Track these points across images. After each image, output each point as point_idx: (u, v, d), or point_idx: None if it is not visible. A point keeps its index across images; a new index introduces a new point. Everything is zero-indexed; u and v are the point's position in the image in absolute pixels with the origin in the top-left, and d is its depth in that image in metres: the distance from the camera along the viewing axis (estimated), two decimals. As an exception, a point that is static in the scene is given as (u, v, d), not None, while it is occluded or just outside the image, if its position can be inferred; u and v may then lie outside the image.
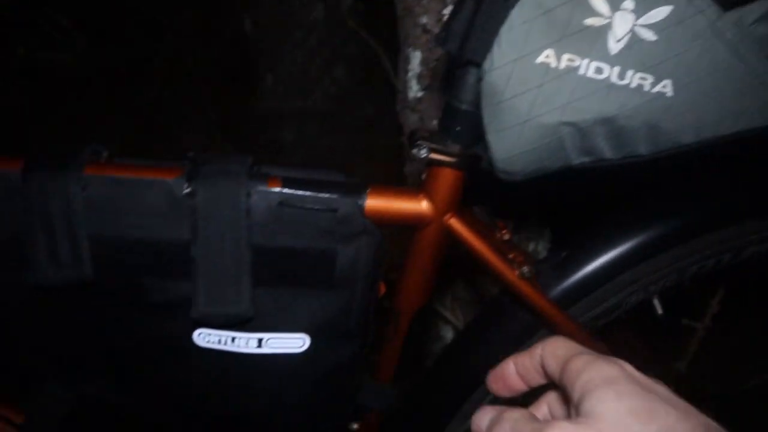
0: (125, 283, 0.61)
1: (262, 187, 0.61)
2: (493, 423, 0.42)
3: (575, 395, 0.39)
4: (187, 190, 0.59)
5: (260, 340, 0.65)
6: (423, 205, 0.65)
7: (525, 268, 0.67)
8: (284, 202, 0.61)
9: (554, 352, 0.43)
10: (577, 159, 0.60)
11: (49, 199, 0.57)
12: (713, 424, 0.36)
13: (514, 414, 0.41)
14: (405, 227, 0.67)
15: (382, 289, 0.69)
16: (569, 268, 0.71)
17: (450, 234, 0.66)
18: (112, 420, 0.75)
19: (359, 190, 0.63)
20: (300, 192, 0.61)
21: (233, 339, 0.65)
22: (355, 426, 0.81)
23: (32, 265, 0.58)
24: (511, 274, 0.67)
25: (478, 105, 0.59)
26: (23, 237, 0.58)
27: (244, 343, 0.65)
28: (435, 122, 0.89)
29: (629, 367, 0.40)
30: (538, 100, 0.55)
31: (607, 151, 0.58)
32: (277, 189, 0.61)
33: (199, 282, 0.60)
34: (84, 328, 0.65)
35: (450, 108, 0.61)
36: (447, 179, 0.64)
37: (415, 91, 0.85)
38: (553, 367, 0.43)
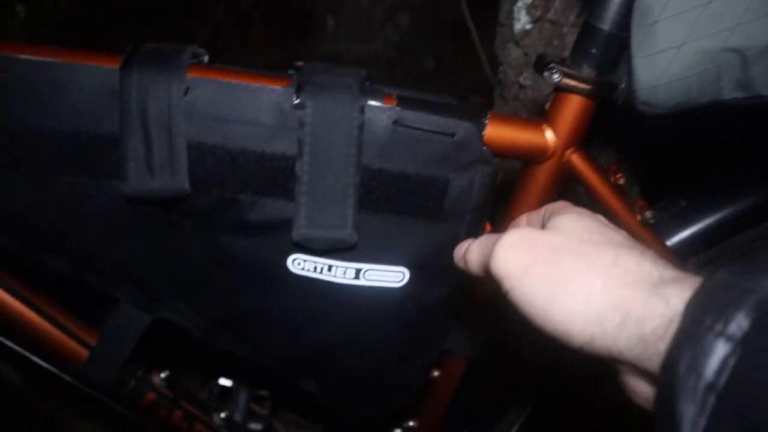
0: (221, 200, 0.57)
1: (377, 103, 0.55)
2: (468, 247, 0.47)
3: (546, 221, 0.44)
4: (296, 101, 0.54)
5: (358, 271, 0.60)
6: (547, 136, 0.59)
7: (648, 213, 0.61)
8: (399, 121, 0.56)
9: (554, 206, 0.47)
10: (730, 93, 0.53)
11: (148, 101, 0.53)
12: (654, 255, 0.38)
13: (483, 236, 0.46)
14: (522, 159, 0.61)
15: (487, 227, 0.64)
16: (691, 218, 0.65)
17: (569, 171, 0.61)
18: (184, 347, 0.72)
19: (479, 115, 0.58)
20: (417, 112, 0.56)
21: (330, 268, 0.60)
22: (436, 373, 0.77)
23: (124, 173, 0.54)
24: (632, 219, 0.61)
25: (624, 26, 0.53)
26: (117, 141, 0.54)
27: (342, 273, 0.60)
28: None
29: (601, 216, 0.44)
30: (702, 19, 0.49)
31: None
32: (393, 106, 0.56)
33: (301, 201, 0.56)
34: (171, 247, 0.61)
35: (589, 29, 0.55)
36: (576, 108, 0.58)
37: (522, 23, 0.79)
38: (548, 216, 0.45)
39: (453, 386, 0.76)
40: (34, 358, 0.71)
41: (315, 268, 0.60)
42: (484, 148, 0.57)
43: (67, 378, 0.73)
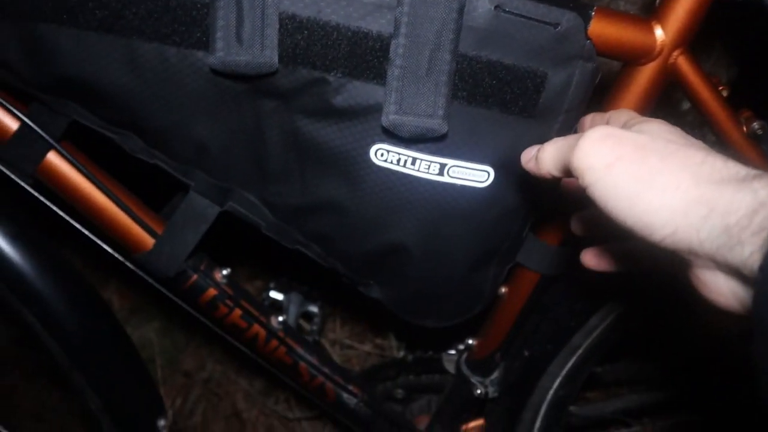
0: (308, 79, 0.54)
1: (479, -16, 0.52)
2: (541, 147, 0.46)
3: (625, 126, 0.45)
4: (395, -22, 0.51)
5: (443, 167, 0.58)
6: (656, 33, 0.55)
7: (756, 125, 0.58)
8: (502, 6, 0.52)
9: (619, 115, 0.48)
10: None
11: (241, -34, 0.50)
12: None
13: (556, 138, 0.45)
14: (625, 59, 0.58)
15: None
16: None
17: (673, 74, 0.58)
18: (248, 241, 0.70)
19: (585, 8, 0.54)
20: (521, -3, 0.53)
21: (414, 161, 0.58)
22: (504, 290, 0.75)
23: (212, 43, 0.52)
24: (738, 131, 0.58)
25: None
26: (207, 8, 0.52)
27: (426, 167, 0.58)
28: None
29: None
30: None
31: None
32: (496, -11, 0.52)
33: (392, 85, 0.53)
34: (249, 131, 0.59)
35: None
36: (692, 3, 0.54)
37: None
38: (615, 125, 0.46)
39: (519, 305, 0.73)
40: (98, 241, 0.70)
41: (398, 160, 0.58)
42: (588, 42, 0.54)
43: (130, 265, 0.72)
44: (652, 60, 0.57)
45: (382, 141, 0.57)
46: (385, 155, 0.58)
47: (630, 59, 0.57)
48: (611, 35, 0.55)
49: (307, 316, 1.01)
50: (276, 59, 0.52)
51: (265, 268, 1.28)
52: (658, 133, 0.41)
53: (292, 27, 0.52)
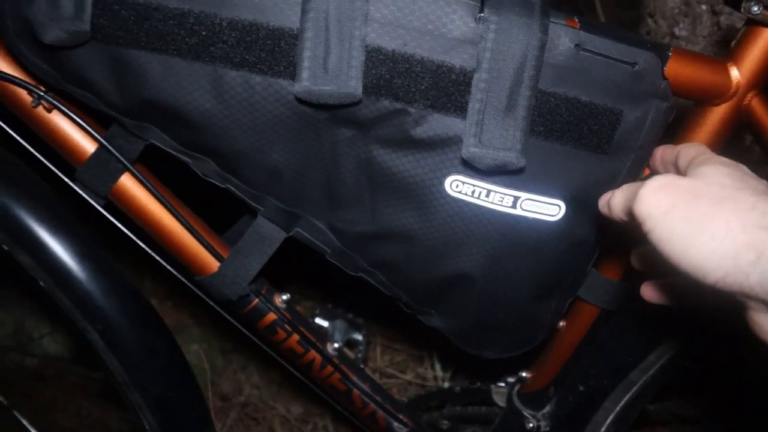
0: (390, 110, 0.56)
1: (561, 23, 0.54)
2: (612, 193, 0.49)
3: (687, 166, 0.47)
4: (480, 15, 0.53)
5: (516, 200, 0.59)
6: (732, 75, 0.56)
7: (829, 168, 0.58)
8: (581, 44, 0.54)
9: (688, 149, 0.50)
10: None
11: (329, 0, 0.52)
12: None
13: (625, 185, 0.48)
14: (699, 99, 0.59)
15: (645, 171, 0.62)
16: None
17: (746, 116, 0.58)
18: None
19: (662, 47, 0.56)
20: (600, 36, 0.54)
21: (488, 193, 0.59)
22: (562, 323, 0.75)
23: (299, 72, 0.53)
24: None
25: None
26: (295, 38, 0.53)
27: (499, 199, 0.59)
28: (704, 8, 0.79)
29: (743, 166, 0.45)
30: None
31: None
32: (576, 29, 0.54)
33: (473, 118, 0.54)
34: (324, 158, 0.60)
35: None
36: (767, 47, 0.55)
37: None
38: (683, 160, 0.50)
39: (577, 339, 0.73)
40: (163, 262, 0.71)
41: (473, 192, 0.59)
42: (664, 81, 0.55)
43: (192, 287, 0.73)
44: (726, 101, 0.57)
45: (458, 172, 0.58)
46: (459, 186, 0.59)
47: (704, 99, 0.58)
48: (687, 75, 0.56)
49: (351, 344, 1.02)
50: (360, 90, 0.54)
51: (309, 294, 1.29)
52: (715, 177, 0.43)
53: (377, 59, 0.54)
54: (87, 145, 0.65)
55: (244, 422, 1.19)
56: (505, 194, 0.59)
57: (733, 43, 0.57)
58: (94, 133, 0.64)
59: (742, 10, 0.53)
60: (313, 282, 1.25)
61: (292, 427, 1.17)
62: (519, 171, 0.56)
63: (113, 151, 0.64)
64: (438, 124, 0.56)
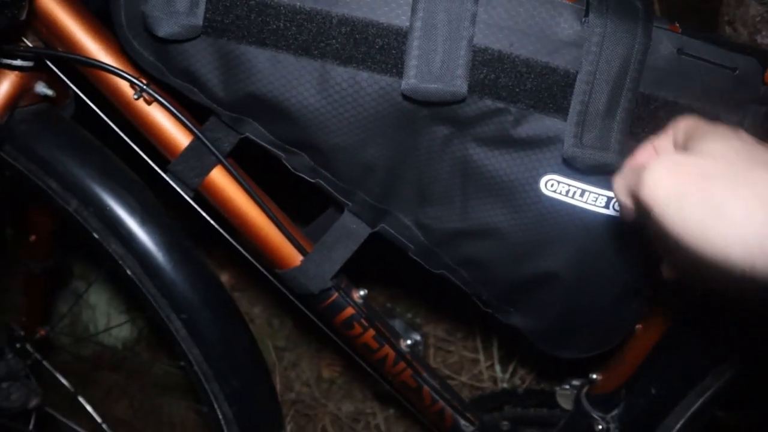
0: (491, 109, 0.57)
1: (663, 28, 0.55)
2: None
3: (688, 144, 0.42)
4: (585, 18, 0.54)
5: (609, 200, 0.60)
6: (833, 82, 0.57)
7: None
8: (683, 49, 0.55)
9: (692, 125, 0.44)
10: None
11: (437, 3, 0.53)
12: None
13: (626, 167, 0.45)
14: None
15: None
16: None
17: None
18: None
19: (762, 53, 0.56)
20: (701, 42, 0.55)
21: (582, 193, 0.60)
22: (639, 326, 0.75)
23: (407, 69, 0.54)
24: None
25: None
26: (404, 36, 0.55)
27: (593, 199, 0.60)
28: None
29: (745, 134, 0.41)
30: None
31: None
32: (679, 33, 0.55)
33: (574, 119, 0.55)
34: (419, 155, 0.62)
35: None
36: None
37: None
38: (679, 135, 0.45)
39: (653, 342, 0.74)
40: (247, 255, 0.73)
41: (568, 191, 0.60)
42: (764, 87, 0.56)
43: (273, 280, 0.74)
44: (822, 108, 0.58)
45: (554, 172, 0.59)
46: (555, 186, 0.60)
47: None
48: (786, 81, 0.57)
49: (414, 345, 1.02)
50: (465, 89, 0.55)
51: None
52: (721, 153, 0.39)
53: (483, 59, 0.55)
54: (182, 138, 0.67)
55: (295, 420, 1.20)
56: (600, 194, 0.59)
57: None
58: (190, 125, 0.66)
59: None
60: (370, 281, 1.26)
61: (343, 425, 1.18)
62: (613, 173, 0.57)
63: (208, 144, 0.66)
64: (538, 124, 0.57)
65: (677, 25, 0.56)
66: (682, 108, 0.56)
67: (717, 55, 0.55)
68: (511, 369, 1.12)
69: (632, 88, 0.55)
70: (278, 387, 1.23)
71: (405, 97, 0.56)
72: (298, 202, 0.82)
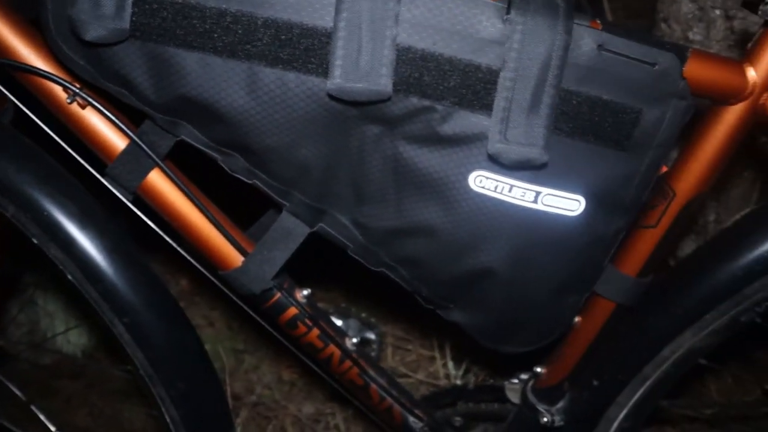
0: (418, 107, 0.58)
1: (584, 25, 0.56)
2: None
3: None
4: (507, 16, 0.55)
5: (537, 195, 0.61)
6: (748, 75, 0.59)
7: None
8: (604, 45, 0.56)
9: None
10: None
11: (360, 1, 0.54)
12: None
13: None
14: (715, 99, 0.61)
15: (663, 168, 0.64)
16: None
17: (762, 115, 0.60)
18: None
19: (682, 48, 0.58)
20: (621, 38, 0.56)
21: (510, 188, 0.60)
22: (578, 318, 0.77)
23: (331, 69, 0.55)
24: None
25: None
26: (329, 37, 0.55)
27: (521, 194, 0.61)
28: (718, 12, 0.82)
29: None
30: None
31: None
32: (599, 30, 0.56)
33: (498, 115, 0.56)
34: (351, 154, 0.62)
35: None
36: (784, 48, 0.57)
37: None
38: None
39: (593, 334, 0.75)
40: (188, 257, 0.73)
41: (496, 187, 0.61)
42: (683, 81, 0.57)
43: (216, 281, 0.74)
44: (742, 101, 0.60)
45: (481, 168, 0.60)
46: (483, 182, 0.60)
47: (721, 99, 0.61)
48: (705, 75, 0.58)
49: (365, 343, 1.03)
50: (390, 88, 0.56)
51: (322, 295, 1.31)
52: None
53: (407, 58, 0.56)
54: (118, 142, 0.67)
55: (256, 421, 1.20)
56: (527, 189, 0.60)
57: (749, 44, 0.60)
58: (126, 129, 0.66)
59: (760, 12, 0.56)
60: (327, 281, 1.27)
61: (304, 426, 1.18)
62: (542, 167, 0.58)
63: (144, 147, 0.66)
64: (464, 121, 0.58)
65: (598, 21, 0.57)
66: (605, 103, 0.58)
67: (637, 50, 0.57)
68: (465, 365, 1.13)
69: (555, 84, 0.56)
70: (239, 390, 1.23)
71: (332, 97, 0.57)
72: (245, 202, 0.82)
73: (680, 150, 0.66)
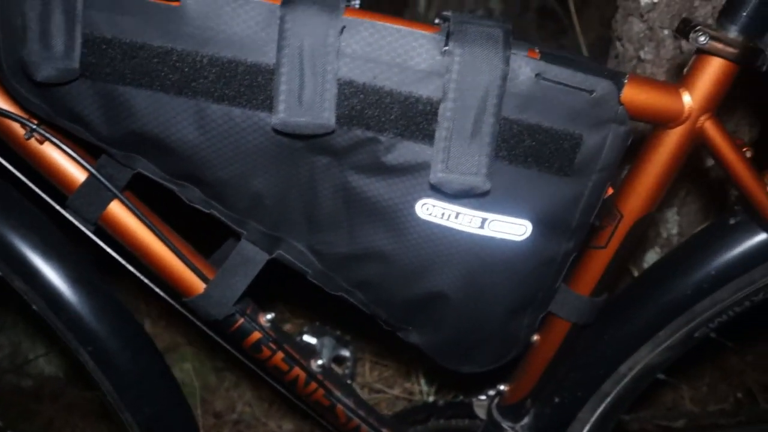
0: (361, 139, 0.59)
1: (522, 55, 0.57)
2: None
3: None
4: (445, 48, 0.56)
5: (483, 221, 0.62)
6: (684, 99, 0.60)
7: (779, 186, 0.61)
8: (542, 74, 0.57)
9: None
10: None
11: (305, 37, 0.55)
12: None
13: None
14: (654, 123, 0.62)
15: (610, 189, 0.65)
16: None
17: (700, 138, 0.62)
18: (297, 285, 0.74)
19: (619, 75, 0.59)
20: (559, 66, 0.58)
21: (457, 215, 0.62)
22: (536, 337, 0.78)
23: (276, 105, 0.57)
24: (763, 193, 0.62)
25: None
26: (271, 74, 0.57)
27: (468, 221, 0.62)
28: (666, 33, 0.83)
29: None
30: None
31: None
32: (537, 59, 0.57)
33: (440, 145, 0.58)
34: (303, 185, 0.64)
35: (741, -9, 0.56)
36: (717, 73, 0.59)
37: (650, -4, 0.80)
38: None
39: (551, 352, 0.76)
40: (152, 285, 0.74)
41: (442, 214, 0.62)
42: (621, 107, 0.59)
43: (180, 308, 0.76)
44: (680, 124, 0.61)
45: (428, 196, 0.61)
46: (430, 209, 0.62)
47: (659, 123, 0.62)
48: (642, 100, 0.60)
49: (340, 360, 1.04)
50: (333, 121, 0.57)
51: (299, 312, 1.32)
52: None
53: (349, 92, 0.57)
54: (78, 175, 0.68)
55: (237, 439, 1.21)
56: (474, 216, 0.62)
57: (685, 69, 0.61)
58: (84, 162, 0.67)
59: (690, 39, 0.57)
60: (303, 300, 1.28)
61: (284, 443, 1.19)
62: (485, 194, 0.59)
63: (102, 179, 0.67)
64: (408, 151, 0.59)
65: (537, 50, 0.59)
66: (545, 130, 0.59)
67: (574, 78, 0.58)
68: (438, 382, 1.14)
69: (495, 113, 0.57)
70: (220, 407, 1.24)
71: (278, 131, 0.58)
72: (211, 228, 0.84)
73: (626, 172, 0.67)
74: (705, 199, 0.99)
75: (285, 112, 0.56)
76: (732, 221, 0.68)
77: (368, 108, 0.58)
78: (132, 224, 0.71)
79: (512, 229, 0.63)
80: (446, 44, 0.56)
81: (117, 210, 0.70)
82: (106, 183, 0.67)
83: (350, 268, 0.69)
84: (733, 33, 0.57)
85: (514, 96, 0.58)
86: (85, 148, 0.69)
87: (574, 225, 0.64)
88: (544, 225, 0.63)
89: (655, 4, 0.81)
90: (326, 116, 0.57)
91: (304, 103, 0.56)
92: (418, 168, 0.60)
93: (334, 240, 0.67)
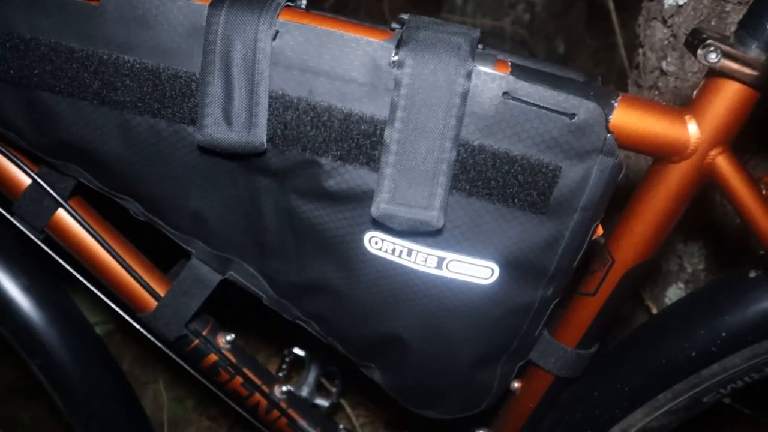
0: (299, 161, 0.51)
1: (486, 69, 0.47)
2: None
3: None
4: (395, 58, 0.47)
5: (441, 260, 0.53)
6: (689, 129, 0.49)
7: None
8: (511, 92, 0.48)
9: None
10: None
11: (233, 42, 0.48)
12: None
13: None
14: (653, 155, 0.51)
15: (599, 230, 0.55)
16: None
17: (710, 176, 0.50)
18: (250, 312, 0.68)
19: (608, 96, 0.49)
20: (532, 84, 0.47)
21: (410, 252, 0.53)
22: (517, 384, 0.69)
23: (200, 119, 0.49)
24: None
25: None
26: (197, 84, 0.50)
27: (422, 259, 0.53)
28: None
29: None
30: None
31: None
32: (506, 75, 0.47)
33: (386, 173, 0.49)
34: (245, 205, 0.57)
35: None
36: (732, 99, 0.47)
37: (676, -3, 0.67)
38: None
39: (533, 403, 0.67)
40: (105, 298, 0.69)
41: (393, 250, 0.53)
42: (609, 135, 0.48)
43: (135, 324, 0.71)
44: (685, 158, 0.50)
45: (376, 229, 0.53)
46: (379, 243, 0.54)
47: (659, 155, 0.51)
48: (638, 127, 0.49)
49: (330, 376, 0.98)
50: (264, 139, 0.49)
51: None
52: None
53: (281, 107, 0.49)
54: (23, 179, 0.64)
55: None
56: (429, 254, 0.53)
57: (694, 93, 0.50)
58: (25, 167, 0.63)
59: (698, 57, 0.46)
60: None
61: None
62: (438, 231, 0.51)
63: (45, 186, 0.63)
64: (351, 176, 0.51)
65: (507, 62, 0.49)
66: (513, 159, 0.49)
67: (551, 99, 0.48)
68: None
69: (451, 137, 0.48)
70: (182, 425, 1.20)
71: (205, 149, 0.51)
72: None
73: (623, 210, 0.56)
74: (738, 234, 0.84)
75: (211, 128, 0.49)
76: (753, 274, 0.56)
77: (304, 126, 0.50)
78: (80, 234, 0.66)
79: (475, 271, 0.54)
80: (396, 53, 0.47)
81: (64, 219, 0.65)
82: (49, 189, 0.63)
83: (302, 298, 0.62)
84: (754, 51, 0.45)
85: (477, 117, 0.48)
86: (29, 154, 0.65)
87: (552, 270, 0.54)
88: (514, 268, 0.54)
89: (680, 6, 0.67)
90: (257, 133, 0.49)
91: (233, 119, 0.49)
92: (364, 197, 0.51)
93: (283, 267, 0.60)
